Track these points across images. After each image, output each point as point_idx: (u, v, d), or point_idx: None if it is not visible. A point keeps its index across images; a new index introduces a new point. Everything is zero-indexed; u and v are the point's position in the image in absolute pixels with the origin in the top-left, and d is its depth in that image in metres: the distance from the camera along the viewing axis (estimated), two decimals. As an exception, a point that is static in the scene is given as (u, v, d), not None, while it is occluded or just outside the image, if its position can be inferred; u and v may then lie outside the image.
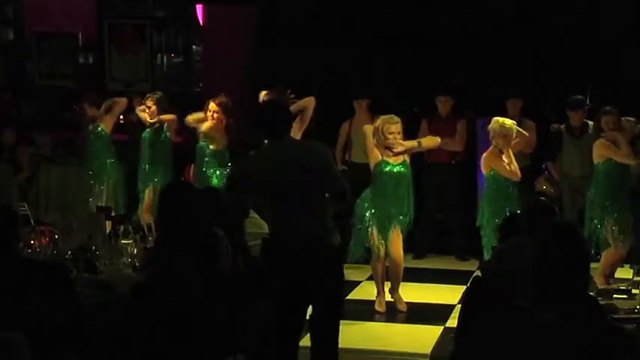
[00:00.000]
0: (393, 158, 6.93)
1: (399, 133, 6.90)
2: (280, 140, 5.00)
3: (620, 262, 7.46)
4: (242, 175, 5.13)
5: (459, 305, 6.86)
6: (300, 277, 4.85)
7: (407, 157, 7.01)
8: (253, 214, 5.75)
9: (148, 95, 8.39)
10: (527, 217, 5.14)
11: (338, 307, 5.05)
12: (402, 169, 6.95)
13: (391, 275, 7.17)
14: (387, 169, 6.94)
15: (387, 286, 7.24)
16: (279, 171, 4.87)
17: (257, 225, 5.43)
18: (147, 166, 8.34)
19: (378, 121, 7.03)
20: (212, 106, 7.63)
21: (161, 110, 8.21)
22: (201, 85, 10.60)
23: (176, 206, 4.47)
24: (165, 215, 4.54)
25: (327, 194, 5.00)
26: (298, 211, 4.84)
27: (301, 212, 4.83)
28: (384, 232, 6.94)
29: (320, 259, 4.85)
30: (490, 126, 7.03)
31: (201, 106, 7.89)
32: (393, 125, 6.88)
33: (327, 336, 4.97)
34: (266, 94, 7.40)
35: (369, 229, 6.93)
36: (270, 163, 4.95)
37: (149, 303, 4.45)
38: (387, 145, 6.84)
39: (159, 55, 10.82)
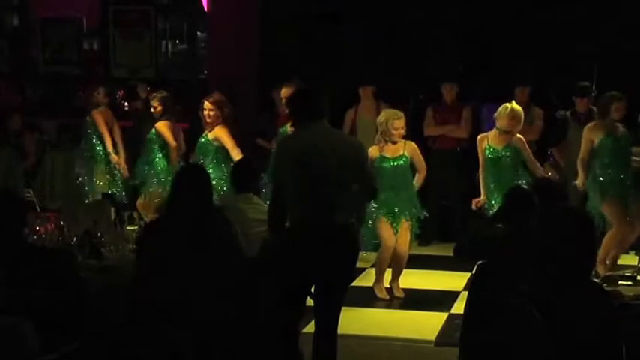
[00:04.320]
0: (391, 153, 7.00)
1: (402, 129, 7.00)
2: (317, 126, 4.94)
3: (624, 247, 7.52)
4: (280, 155, 5.07)
5: (464, 292, 6.90)
6: (315, 262, 4.86)
7: (406, 152, 7.05)
8: (258, 201, 5.75)
9: (153, 95, 8.30)
10: (504, 203, 5.14)
11: (344, 292, 5.08)
12: (401, 162, 7.03)
13: (394, 266, 7.20)
14: (385, 164, 6.99)
15: (387, 273, 7.27)
16: (315, 155, 4.84)
17: (262, 212, 5.43)
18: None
19: (382, 116, 7.09)
20: (206, 104, 7.60)
21: (166, 109, 8.14)
22: (205, 72, 10.59)
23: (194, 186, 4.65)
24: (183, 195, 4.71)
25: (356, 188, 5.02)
26: (327, 198, 4.82)
27: (330, 200, 4.82)
28: (395, 224, 7.02)
29: (341, 246, 4.87)
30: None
31: (205, 93, 7.89)
32: (397, 121, 6.97)
33: (331, 320, 5.01)
34: (286, 90, 7.49)
35: (377, 219, 6.99)
36: (307, 147, 4.88)
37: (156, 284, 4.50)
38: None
39: (163, 42, 10.81)
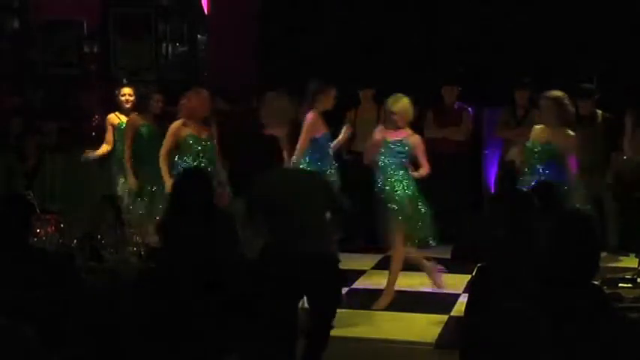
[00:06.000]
0: (394, 137, 6.90)
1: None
2: (275, 170, 5.22)
3: None
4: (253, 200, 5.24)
5: (464, 294, 6.90)
6: (299, 292, 5.05)
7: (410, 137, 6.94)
8: None
9: (138, 88, 8.15)
10: (504, 205, 5.12)
11: (330, 320, 5.15)
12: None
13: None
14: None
15: (383, 275, 7.27)
16: (280, 197, 5.01)
17: None
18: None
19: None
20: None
21: (139, 103, 7.99)
22: (205, 74, 10.60)
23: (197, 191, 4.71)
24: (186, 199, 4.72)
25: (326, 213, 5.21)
26: (300, 233, 4.95)
27: (303, 234, 4.95)
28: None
29: (322, 278, 4.97)
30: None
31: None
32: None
33: (318, 333, 5.11)
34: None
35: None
36: (270, 191, 5.08)
37: (153, 293, 4.51)
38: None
39: (164, 44, 10.81)
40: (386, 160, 6.84)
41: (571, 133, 6.62)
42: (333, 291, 5.10)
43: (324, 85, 6.91)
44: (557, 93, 6.61)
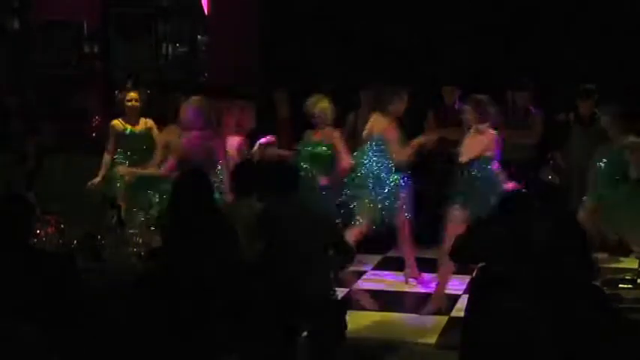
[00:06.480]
0: (315, 137, 7.08)
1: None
2: (288, 200, 5.10)
3: None
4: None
5: (465, 295, 6.90)
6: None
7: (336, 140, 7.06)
8: (260, 206, 5.76)
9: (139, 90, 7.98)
10: (503, 206, 5.12)
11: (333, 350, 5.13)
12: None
13: None
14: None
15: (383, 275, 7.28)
16: (287, 230, 4.96)
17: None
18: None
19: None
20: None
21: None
22: (206, 74, 10.61)
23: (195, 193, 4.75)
24: (184, 202, 4.73)
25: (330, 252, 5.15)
26: (304, 271, 4.91)
27: (307, 273, 4.91)
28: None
29: (325, 318, 4.96)
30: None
31: (206, 96, 7.79)
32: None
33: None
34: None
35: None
36: (278, 222, 5.02)
37: (153, 294, 4.52)
38: None
39: (164, 45, 10.83)
40: (309, 157, 7.01)
41: (492, 132, 6.71)
42: (334, 329, 5.08)
43: (398, 90, 7.14)
44: (478, 96, 6.76)
